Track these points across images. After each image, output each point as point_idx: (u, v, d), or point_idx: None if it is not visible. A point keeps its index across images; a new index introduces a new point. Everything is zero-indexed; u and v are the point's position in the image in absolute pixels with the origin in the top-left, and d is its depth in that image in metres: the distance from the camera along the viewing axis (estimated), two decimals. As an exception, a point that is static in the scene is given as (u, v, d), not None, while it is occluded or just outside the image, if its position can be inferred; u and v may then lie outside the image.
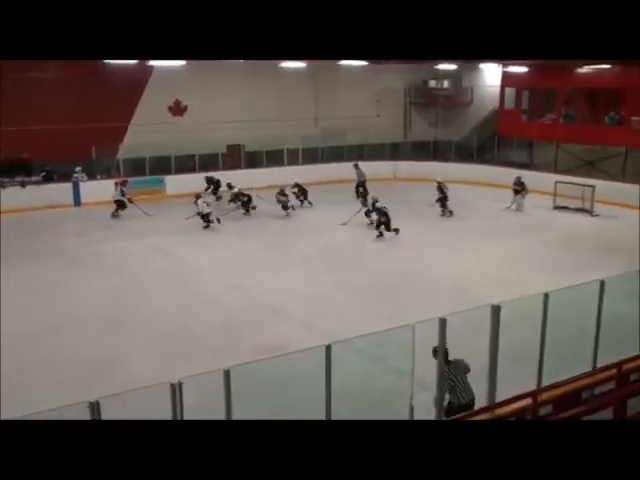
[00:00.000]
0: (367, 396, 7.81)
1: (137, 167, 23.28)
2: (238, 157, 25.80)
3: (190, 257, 15.69)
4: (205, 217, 18.27)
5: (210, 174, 22.93)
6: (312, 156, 26.67)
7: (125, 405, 5.62)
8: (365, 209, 18.66)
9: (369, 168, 23.73)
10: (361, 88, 27.51)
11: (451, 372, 6.91)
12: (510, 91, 26.41)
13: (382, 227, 17.06)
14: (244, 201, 20.12)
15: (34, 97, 21.87)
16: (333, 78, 26.06)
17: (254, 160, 25.83)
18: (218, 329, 10.99)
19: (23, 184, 21.20)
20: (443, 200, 19.85)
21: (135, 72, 22.63)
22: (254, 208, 20.11)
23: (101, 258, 15.67)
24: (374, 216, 17.75)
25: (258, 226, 19.07)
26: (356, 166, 23.08)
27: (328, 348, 5.99)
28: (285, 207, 20.07)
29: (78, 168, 21.92)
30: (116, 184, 20.66)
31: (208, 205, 18.63)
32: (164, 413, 5.46)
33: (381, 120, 28.63)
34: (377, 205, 17.46)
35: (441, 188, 19.90)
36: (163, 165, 23.71)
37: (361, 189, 22.24)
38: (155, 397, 5.71)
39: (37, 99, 21.96)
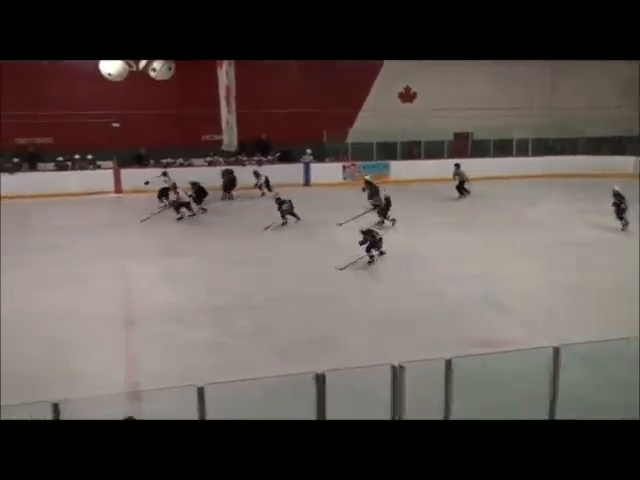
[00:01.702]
0: (589, 404, 7.35)
1: (365, 151, 23.90)
2: (465, 145, 25.42)
3: (409, 243, 15.74)
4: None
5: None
6: (542, 147, 25.45)
7: (344, 381, 5.84)
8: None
9: (607, 162, 21.94)
10: (603, 76, 25.60)
11: None
12: None
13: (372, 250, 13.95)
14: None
15: (273, 83, 23.36)
16: (572, 65, 24.51)
17: (481, 149, 25.25)
18: (435, 317, 10.90)
19: (259, 163, 22.83)
20: (620, 211, 16.72)
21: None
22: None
23: (320, 237, 16.36)
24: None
25: (477, 216, 18.62)
26: (457, 166, 21.30)
27: (556, 350, 5.73)
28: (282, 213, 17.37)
29: (309, 150, 23.07)
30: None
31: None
32: (383, 392, 5.58)
33: (623, 111, 26.48)
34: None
35: (619, 195, 16.82)
36: (389, 150, 24.10)
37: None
38: (373, 376, 5.85)
39: (276, 85, 23.43)
